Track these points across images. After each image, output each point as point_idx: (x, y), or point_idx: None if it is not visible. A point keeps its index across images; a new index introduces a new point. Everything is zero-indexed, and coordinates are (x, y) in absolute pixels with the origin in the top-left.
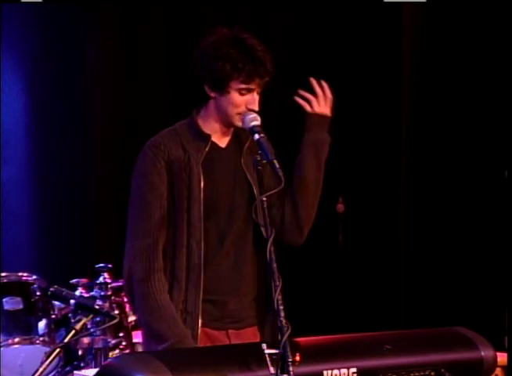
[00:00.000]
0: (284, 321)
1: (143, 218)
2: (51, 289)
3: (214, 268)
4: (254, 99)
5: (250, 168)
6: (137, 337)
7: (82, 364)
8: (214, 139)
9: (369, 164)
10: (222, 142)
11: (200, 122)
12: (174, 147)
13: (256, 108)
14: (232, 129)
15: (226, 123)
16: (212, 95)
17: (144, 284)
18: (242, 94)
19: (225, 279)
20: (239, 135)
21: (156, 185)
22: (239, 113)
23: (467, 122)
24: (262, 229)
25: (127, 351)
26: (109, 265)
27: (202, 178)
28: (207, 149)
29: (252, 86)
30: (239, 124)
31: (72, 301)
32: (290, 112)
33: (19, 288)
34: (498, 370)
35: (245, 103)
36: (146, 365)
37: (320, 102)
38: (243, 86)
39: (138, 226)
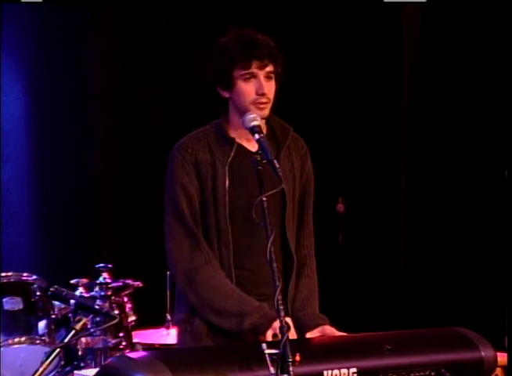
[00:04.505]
0: (284, 321)
1: (178, 218)
2: (51, 289)
3: (247, 273)
4: (261, 84)
5: (285, 174)
6: (137, 337)
7: (82, 364)
8: (241, 142)
9: (369, 164)
10: (252, 145)
11: (225, 125)
12: (202, 150)
13: (265, 91)
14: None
15: None
16: (226, 95)
17: (205, 268)
18: (246, 80)
19: (263, 284)
20: (276, 138)
21: (186, 186)
22: (254, 104)
23: (467, 122)
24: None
25: (127, 351)
26: (109, 265)
27: (227, 181)
28: (232, 153)
29: (253, 70)
30: (259, 112)
31: (72, 301)
32: (291, 112)
33: (19, 288)
34: (498, 370)
35: (254, 90)
36: (146, 365)
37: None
38: (244, 72)
39: (176, 225)
